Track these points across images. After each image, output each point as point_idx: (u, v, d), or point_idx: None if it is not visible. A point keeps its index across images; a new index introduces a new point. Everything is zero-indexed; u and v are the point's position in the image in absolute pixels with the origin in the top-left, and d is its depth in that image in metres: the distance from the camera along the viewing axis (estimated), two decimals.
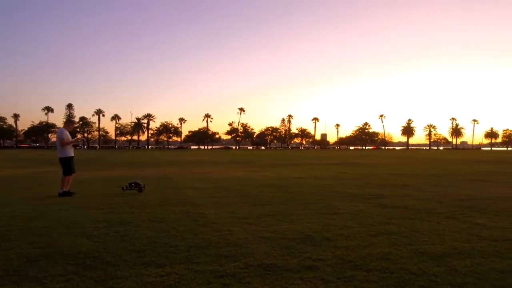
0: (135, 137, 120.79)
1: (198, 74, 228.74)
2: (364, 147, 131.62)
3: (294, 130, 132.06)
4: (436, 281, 3.20)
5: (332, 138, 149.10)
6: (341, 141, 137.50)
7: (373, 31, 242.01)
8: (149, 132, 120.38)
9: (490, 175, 14.66)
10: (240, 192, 9.04)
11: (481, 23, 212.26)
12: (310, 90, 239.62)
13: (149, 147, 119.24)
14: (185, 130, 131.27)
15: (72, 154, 8.77)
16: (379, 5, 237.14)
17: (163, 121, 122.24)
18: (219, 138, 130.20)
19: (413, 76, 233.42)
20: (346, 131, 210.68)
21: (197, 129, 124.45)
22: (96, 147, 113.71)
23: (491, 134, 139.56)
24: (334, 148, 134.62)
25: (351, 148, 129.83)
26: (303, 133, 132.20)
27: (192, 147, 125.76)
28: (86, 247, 4.20)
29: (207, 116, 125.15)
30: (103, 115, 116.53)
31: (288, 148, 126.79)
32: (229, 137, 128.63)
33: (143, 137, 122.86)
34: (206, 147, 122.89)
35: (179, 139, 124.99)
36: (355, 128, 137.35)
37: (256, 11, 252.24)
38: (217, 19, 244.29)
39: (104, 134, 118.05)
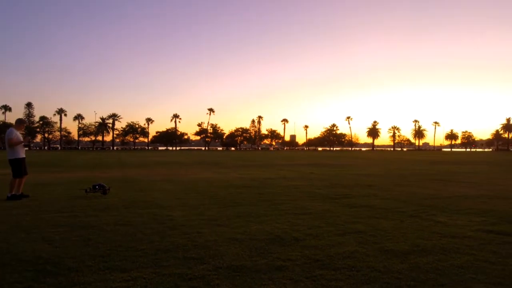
0: (100, 138, 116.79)
1: (169, 76, 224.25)
2: (332, 148, 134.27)
3: (264, 131, 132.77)
4: (400, 278, 3.31)
5: (301, 139, 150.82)
6: (310, 142, 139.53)
7: (341, 41, 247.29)
8: (115, 132, 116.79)
9: (450, 175, 15.37)
10: (209, 194, 8.96)
11: (442, 43, 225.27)
12: (280, 92, 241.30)
13: (115, 148, 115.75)
14: (153, 131, 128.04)
15: (23, 156, 8.33)
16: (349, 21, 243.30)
17: (129, 121, 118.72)
18: (188, 138, 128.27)
19: (379, 81, 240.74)
20: (315, 132, 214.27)
21: (165, 129, 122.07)
22: (58, 148, 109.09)
23: (451, 136, 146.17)
24: (303, 149, 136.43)
25: (319, 149, 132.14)
26: (273, 134, 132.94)
27: (160, 148, 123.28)
28: (46, 252, 4.01)
29: (175, 116, 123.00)
30: (65, 115, 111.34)
31: (258, 149, 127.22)
32: (198, 138, 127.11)
33: (108, 138, 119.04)
34: (174, 148, 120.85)
35: (146, 140, 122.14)
36: (323, 130, 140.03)
37: (235, 16, 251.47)
38: (192, 23, 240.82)
39: (66, 134, 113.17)
